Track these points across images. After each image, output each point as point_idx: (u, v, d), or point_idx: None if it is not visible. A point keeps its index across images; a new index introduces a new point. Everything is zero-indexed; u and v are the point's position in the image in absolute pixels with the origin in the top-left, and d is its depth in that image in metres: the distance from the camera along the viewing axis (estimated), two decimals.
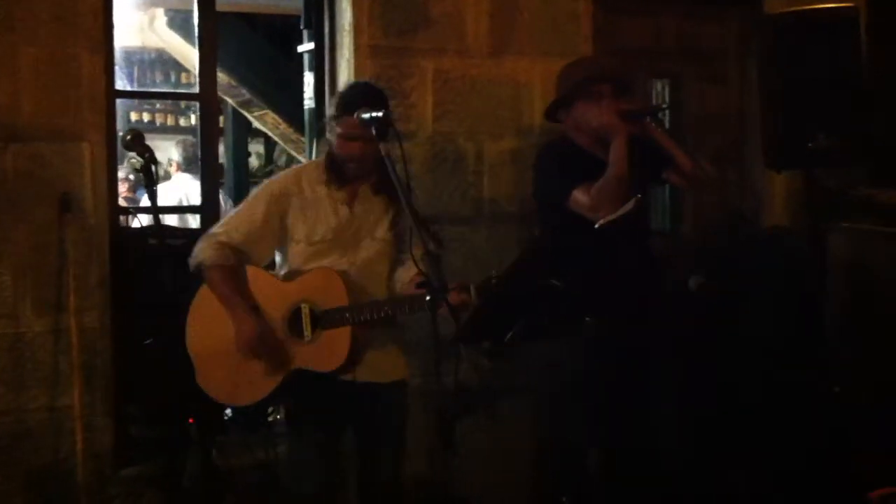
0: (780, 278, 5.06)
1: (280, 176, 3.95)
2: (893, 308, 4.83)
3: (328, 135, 3.76)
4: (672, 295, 4.83)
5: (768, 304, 5.03)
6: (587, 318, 3.79)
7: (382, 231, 3.75)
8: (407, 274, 3.75)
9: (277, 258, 3.88)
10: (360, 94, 3.68)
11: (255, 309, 3.65)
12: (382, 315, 3.61)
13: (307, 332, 3.63)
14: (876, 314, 4.93)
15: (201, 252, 3.68)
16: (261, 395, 3.67)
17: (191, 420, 4.06)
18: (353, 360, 3.63)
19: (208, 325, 3.69)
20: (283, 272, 3.80)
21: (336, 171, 3.72)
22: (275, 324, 3.65)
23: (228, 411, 4.64)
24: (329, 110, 3.73)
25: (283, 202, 3.74)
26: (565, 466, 4.21)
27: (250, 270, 3.72)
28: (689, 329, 4.78)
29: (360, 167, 3.68)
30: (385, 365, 3.78)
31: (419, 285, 3.45)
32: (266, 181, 3.92)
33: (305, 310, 3.63)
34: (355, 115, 3.49)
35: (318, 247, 3.72)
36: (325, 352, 3.61)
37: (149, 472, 4.24)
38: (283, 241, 3.78)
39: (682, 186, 4.52)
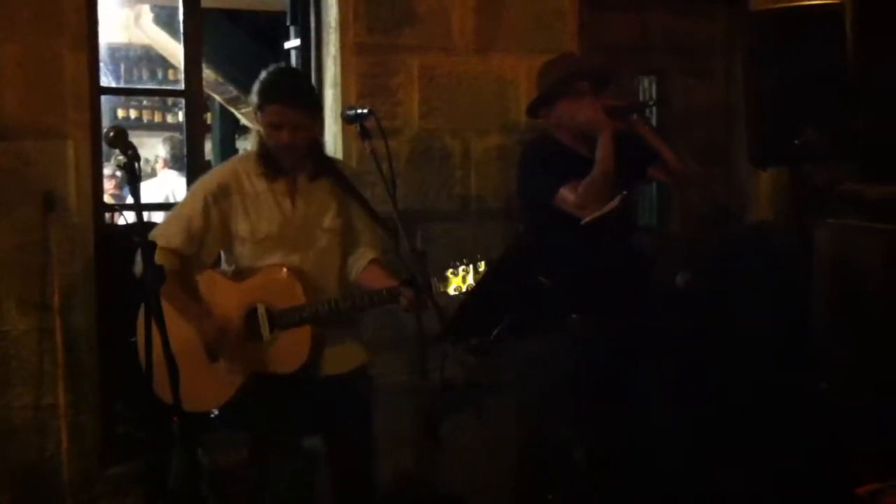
0: (767, 274, 5.06)
1: (214, 172, 3.81)
2: (880, 304, 4.83)
3: (255, 125, 3.67)
4: (659, 291, 4.83)
5: (755, 301, 5.03)
6: (573, 316, 3.79)
7: (329, 220, 3.67)
8: (362, 261, 3.72)
9: (223, 256, 3.78)
10: (282, 81, 3.59)
11: (209, 312, 3.58)
12: (342, 310, 3.54)
13: (265, 333, 3.56)
14: (863, 310, 4.93)
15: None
16: (220, 401, 3.62)
17: (175, 418, 4.04)
18: (313, 359, 3.57)
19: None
20: (230, 269, 3.71)
21: (270, 161, 3.62)
22: (232, 326, 3.58)
23: (215, 410, 4.62)
24: (251, 99, 3.61)
25: (221, 200, 3.63)
26: (552, 464, 4.21)
27: (202, 272, 3.65)
28: (676, 326, 4.77)
29: (292, 155, 3.58)
30: (345, 354, 3.71)
31: (404, 283, 3.44)
32: (200, 179, 3.78)
33: (262, 310, 3.56)
34: (341, 113, 3.49)
35: (265, 244, 3.63)
36: (284, 353, 3.54)
37: (135, 471, 4.22)
38: (226, 240, 3.68)
39: (668, 183, 4.53)
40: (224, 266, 3.76)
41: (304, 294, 3.53)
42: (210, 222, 3.63)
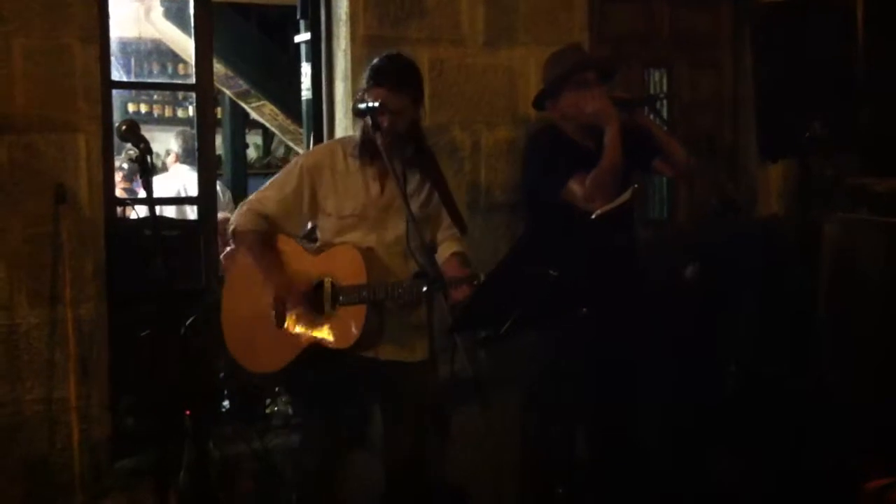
0: (775, 268, 5.06)
1: (316, 149, 4.14)
2: (887, 297, 4.82)
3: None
4: (667, 284, 4.84)
5: (762, 294, 5.03)
6: (582, 308, 3.79)
7: (413, 209, 3.67)
8: (445, 253, 3.83)
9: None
10: (390, 67, 3.70)
11: (284, 271, 3.75)
12: (395, 297, 3.62)
13: (327, 306, 3.69)
14: (869, 303, 4.93)
15: (235, 219, 3.82)
16: (279, 364, 3.76)
17: (187, 412, 4.06)
18: (366, 339, 3.65)
19: (241, 292, 3.83)
20: (314, 244, 3.87)
21: (368, 144, 3.70)
22: (299, 289, 3.73)
23: (226, 403, 4.65)
24: (362, 83, 3.75)
25: (314, 175, 3.79)
26: (555, 456, 4.23)
27: (281, 239, 3.82)
28: (678, 319, 4.78)
29: (389, 140, 3.61)
30: (407, 344, 3.79)
31: (416, 275, 3.48)
32: (303, 153, 4.03)
33: (327, 284, 3.69)
34: (353, 107, 3.60)
35: (347, 221, 3.75)
36: (339, 329, 3.66)
37: (145, 464, 4.23)
38: (315, 214, 3.83)
39: (671, 176, 4.54)
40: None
41: (367, 275, 3.63)
42: (302, 194, 3.79)
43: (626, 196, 3.87)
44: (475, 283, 3.54)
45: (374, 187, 3.76)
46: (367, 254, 3.68)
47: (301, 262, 3.77)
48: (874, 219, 5.00)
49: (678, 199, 5.68)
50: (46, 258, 4.11)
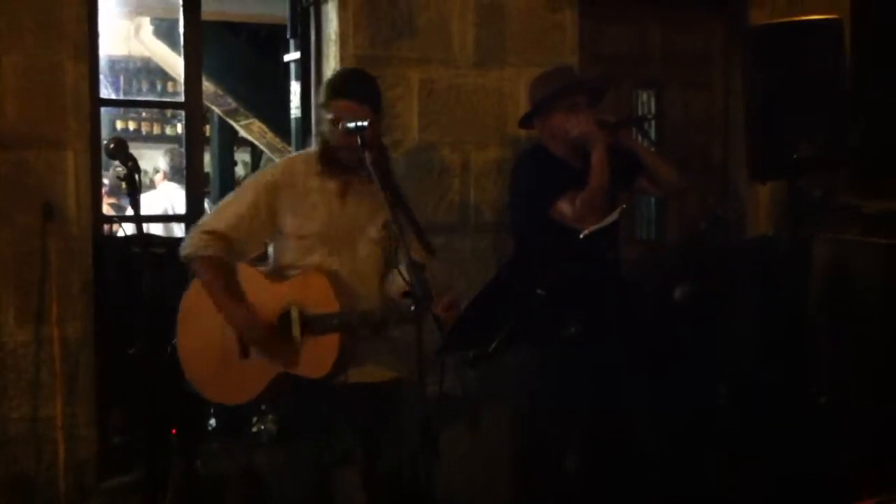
0: (765, 288, 5.07)
1: (271, 167, 3.96)
2: (878, 317, 4.83)
3: (320, 126, 3.70)
4: (657, 303, 4.85)
5: (753, 314, 5.04)
6: (570, 326, 3.79)
7: (375, 230, 3.66)
8: (396, 279, 3.72)
9: (270, 251, 3.80)
10: (352, 79, 3.67)
11: (243, 304, 3.60)
12: (371, 323, 3.56)
13: (296, 336, 3.57)
14: (860, 324, 4.94)
15: (189, 242, 3.64)
16: (247, 396, 3.66)
17: (173, 430, 4.04)
18: (340, 368, 3.57)
19: (198, 322, 3.66)
20: (272, 267, 3.74)
21: (329, 160, 3.64)
22: (262, 322, 3.60)
23: (212, 421, 4.62)
24: (318, 98, 3.70)
25: (272, 193, 3.65)
26: (545, 473, 4.23)
27: (242, 268, 3.66)
28: (667, 336, 4.79)
29: (351, 154, 3.53)
30: (376, 365, 3.71)
31: (404, 295, 3.45)
32: (257, 172, 3.89)
33: (295, 314, 3.57)
34: (340, 126, 3.50)
35: (308, 241, 3.65)
36: (311, 358, 3.56)
37: (131, 482, 4.21)
38: (272, 234, 3.71)
39: (656, 195, 4.57)
40: (270, 261, 3.79)
41: (337, 301, 3.54)
42: (259, 211, 3.65)
43: (615, 216, 3.89)
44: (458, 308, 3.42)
45: (335, 204, 3.67)
46: (335, 279, 3.58)
47: (264, 290, 3.62)
48: (865, 239, 5.01)
49: (667, 220, 5.69)
50: (34, 275, 4.10)
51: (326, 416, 3.68)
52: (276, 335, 3.58)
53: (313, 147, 3.82)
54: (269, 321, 3.59)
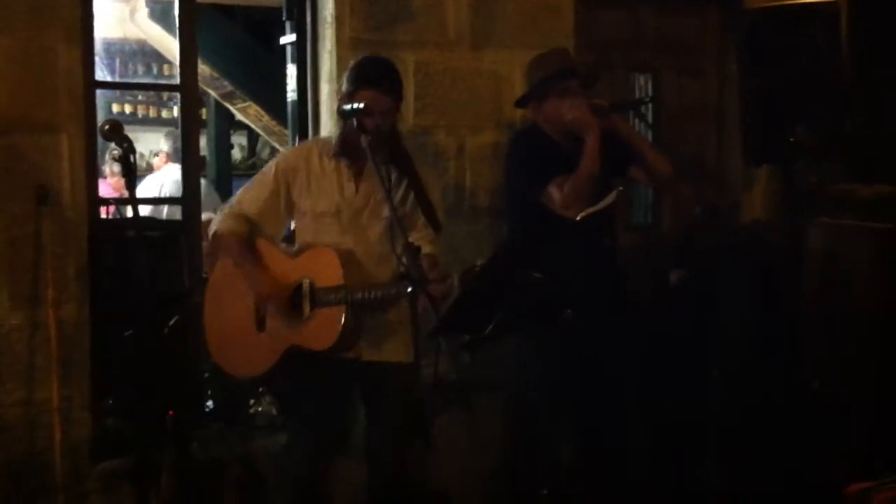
0: (759, 273, 5.07)
1: (291, 150, 4.18)
2: (872, 303, 4.84)
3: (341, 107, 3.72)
4: (652, 288, 4.85)
5: (746, 299, 5.04)
6: (567, 311, 3.79)
7: (388, 210, 3.67)
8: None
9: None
10: (377, 68, 3.74)
11: (264, 276, 3.76)
12: (372, 298, 3.62)
13: (306, 308, 3.69)
14: (854, 308, 4.94)
15: (216, 222, 3.85)
16: (262, 368, 3.78)
17: (171, 413, 4.04)
18: (345, 340, 3.65)
19: (220, 299, 3.86)
20: (293, 246, 3.89)
21: (348, 145, 3.71)
22: (277, 294, 3.74)
23: (209, 403, 4.63)
24: (345, 86, 3.75)
25: (289, 176, 3.80)
26: (539, 461, 4.23)
27: (261, 243, 3.82)
28: (662, 323, 4.79)
29: (375, 141, 3.58)
30: (388, 344, 3.79)
31: (400, 277, 3.48)
32: (278, 155, 4.08)
33: (306, 286, 3.69)
34: (337, 108, 3.64)
35: (323, 220, 3.77)
36: (318, 330, 3.66)
37: (127, 466, 4.21)
38: (291, 213, 3.85)
39: (648, 184, 4.56)
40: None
41: (343, 276, 3.63)
42: (279, 196, 3.81)
43: (610, 199, 3.90)
44: (448, 280, 3.50)
45: (350, 188, 3.77)
46: (346, 255, 3.68)
47: (279, 264, 3.78)
48: (858, 224, 5.01)
49: (663, 205, 5.69)
50: (28, 259, 4.09)
51: (328, 390, 3.79)
52: (288, 307, 3.72)
53: (335, 131, 3.88)
54: (282, 292, 3.73)
